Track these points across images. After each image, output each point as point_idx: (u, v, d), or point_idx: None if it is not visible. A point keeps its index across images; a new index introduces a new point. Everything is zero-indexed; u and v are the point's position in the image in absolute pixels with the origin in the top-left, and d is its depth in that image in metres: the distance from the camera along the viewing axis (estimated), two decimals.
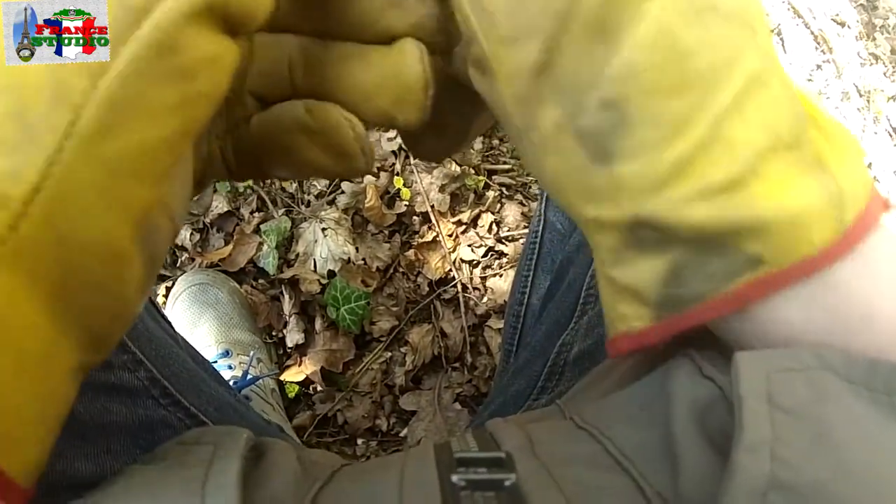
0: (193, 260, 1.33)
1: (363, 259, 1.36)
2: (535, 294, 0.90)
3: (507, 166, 1.50)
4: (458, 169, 1.42)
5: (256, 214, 1.36)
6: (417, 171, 1.42)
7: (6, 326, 0.28)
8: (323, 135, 0.38)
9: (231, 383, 1.07)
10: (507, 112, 0.35)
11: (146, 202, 0.31)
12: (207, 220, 1.35)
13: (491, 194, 1.46)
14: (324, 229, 1.34)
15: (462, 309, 1.38)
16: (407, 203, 1.41)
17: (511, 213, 1.46)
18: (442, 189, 1.41)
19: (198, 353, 0.81)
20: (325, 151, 0.39)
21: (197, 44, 0.29)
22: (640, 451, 0.37)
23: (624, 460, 0.37)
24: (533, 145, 0.36)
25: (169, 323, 0.73)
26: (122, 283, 0.32)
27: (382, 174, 1.41)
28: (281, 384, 1.27)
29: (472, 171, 1.46)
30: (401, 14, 0.36)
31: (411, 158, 1.43)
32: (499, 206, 1.47)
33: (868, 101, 1.80)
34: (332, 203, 1.38)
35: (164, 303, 1.27)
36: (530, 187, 1.50)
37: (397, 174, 1.42)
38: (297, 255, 1.34)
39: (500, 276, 1.41)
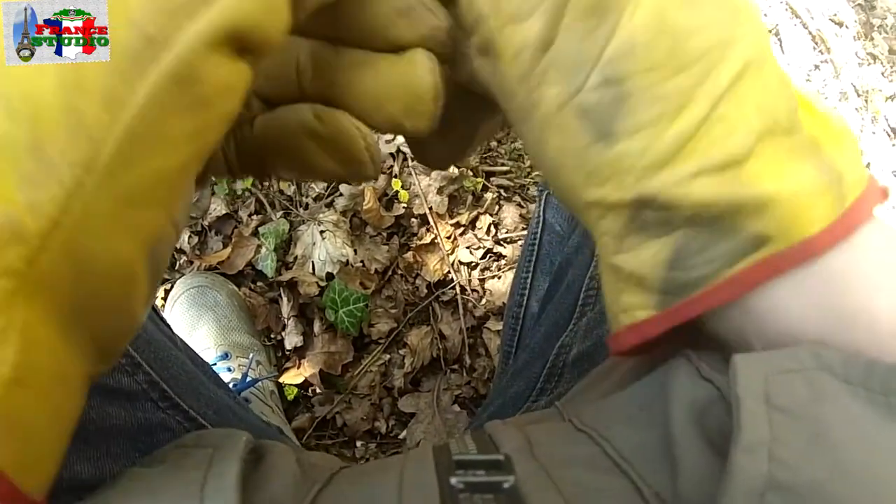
0: (192, 263, 1.33)
1: (361, 261, 1.36)
2: (533, 296, 0.90)
3: (505, 168, 1.50)
4: (456, 171, 1.42)
5: (255, 217, 1.36)
6: (415, 174, 1.42)
7: (28, 359, 0.28)
8: (332, 142, 0.38)
9: (230, 385, 1.07)
10: (511, 92, 0.36)
11: (160, 225, 0.31)
12: (206, 223, 1.35)
13: (489, 196, 1.46)
14: (322, 232, 1.34)
15: (460, 311, 1.38)
16: (405, 205, 1.41)
17: (509, 214, 1.46)
18: (440, 191, 1.41)
19: (197, 355, 0.81)
20: (333, 157, 0.39)
21: (216, 72, 0.29)
22: (638, 453, 0.37)
23: (623, 462, 0.37)
24: (535, 126, 0.36)
25: (168, 325, 0.73)
26: (132, 301, 0.32)
27: (380, 176, 1.41)
28: (280, 386, 1.27)
29: (471, 173, 1.46)
30: (411, 24, 0.36)
31: (409, 161, 1.43)
32: (497, 207, 1.47)
33: (866, 101, 1.81)
34: (330, 205, 1.38)
35: (163, 305, 1.27)
36: (528, 189, 1.50)
37: (395, 176, 1.42)
38: (296, 258, 1.34)
39: (499, 277, 1.41)
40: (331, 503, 0.39)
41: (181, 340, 0.75)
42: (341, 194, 1.38)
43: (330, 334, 1.32)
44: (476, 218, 1.45)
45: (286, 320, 1.31)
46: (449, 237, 1.42)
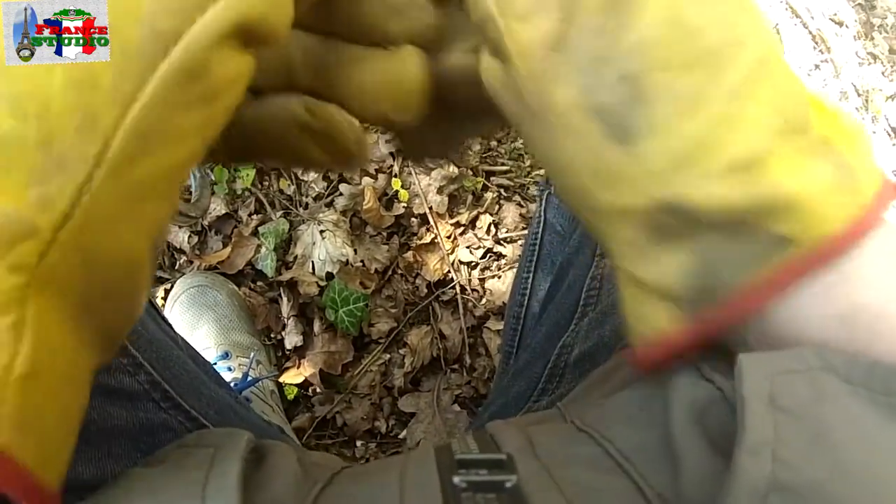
0: (192, 262, 1.33)
1: (361, 261, 1.35)
2: (534, 296, 0.90)
3: (505, 168, 1.50)
4: (456, 170, 1.42)
5: (254, 217, 1.36)
6: (415, 173, 1.42)
7: (41, 353, 0.28)
8: (322, 134, 0.38)
9: (231, 385, 1.06)
10: (521, 93, 0.35)
11: (164, 216, 0.32)
12: (206, 223, 1.35)
13: (489, 196, 1.46)
14: (322, 231, 1.34)
15: (461, 310, 1.38)
16: (405, 205, 1.41)
17: (509, 214, 1.46)
18: (440, 191, 1.41)
19: (198, 354, 0.81)
20: (322, 149, 0.39)
21: (223, 65, 0.30)
22: (640, 453, 0.37)
23: (625, 462, 0.37)
24: (547, 128, 0.35)
25: (169, 325, 0.73)
26: (137, 290, 0.32)
27: (380, 176, 1.41)
28: (280, 386, 1.27)
29: (471, 173, 1.45)
30: (402, 21, 0.36)
31: (409, 160, 1.43)
32: (497, 207, 1.47)
33: (866, 101, 1.81)
34: (330, 205, 1.38)
35: (163, 305, 1.27)
36: (529, 189, 1.49)
37: (395, 176, 1.42)
38: (296, 258, 1.34)
39: (499, 277, 1.41)
40: (333, 503, 0.39)
41: (182, 340, 0.75)
42: (341, 194, 1.38)
43: (330, 334, 1.32)
44: (476, 217, 1.45)
45: (286, 320, 1.31)
46: (449, 237, 1.42)
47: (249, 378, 1.12)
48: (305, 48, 0.38)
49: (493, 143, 1.52)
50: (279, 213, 1.37)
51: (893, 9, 1.96)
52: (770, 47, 0.33)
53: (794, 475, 0.28)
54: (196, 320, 1.22)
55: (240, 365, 1.16)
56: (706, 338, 0.35)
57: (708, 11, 0.32)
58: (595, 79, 0.33)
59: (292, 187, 1.39)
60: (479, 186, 1.46)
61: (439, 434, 1.26)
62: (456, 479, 0.37)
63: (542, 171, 1.49)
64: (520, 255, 1.34)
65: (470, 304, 1.39)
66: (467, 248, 1.42)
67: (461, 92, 0.39)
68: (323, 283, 1.32)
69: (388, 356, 1.34)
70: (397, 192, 1.41)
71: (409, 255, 1.39)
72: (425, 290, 1.39)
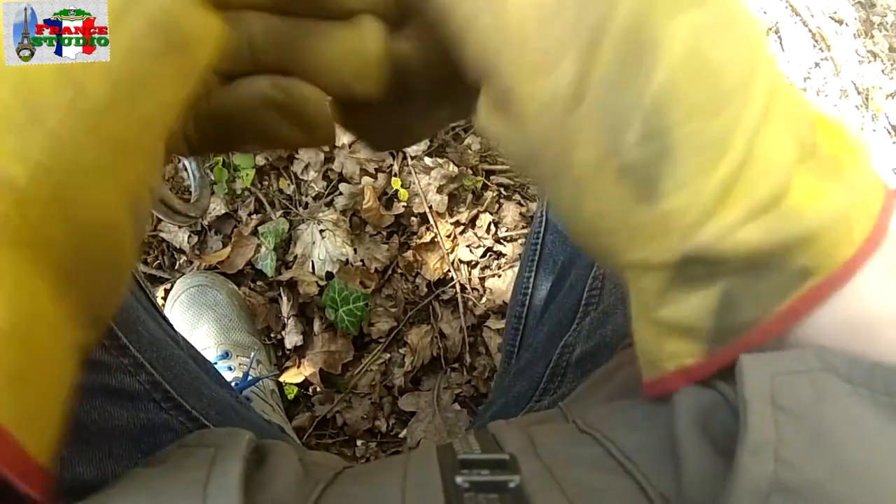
0: (192, 262, 1.33)
1: (361, 260, 1.35)
2: (536, 295, 0.90)
3: (505, 166, 1.50)
4: (455, 169, 1.42)
5: (254, 216, 1.36)
6: (415, 172, 1.42)
7: (19, 312, 0.28)
8: (290, 109, 0.38)
9: (231, 385, 1.07)
10: (536, 154, 0.34)
11: (142, 175, 0.31)
12: (205, 223, 1.35)
13: (489, 194, 1.46)
14: (322, 231, 1.34)
15: (461, 309, 1.38)
16: (405, 204, 1.41)
17: (509, 213, 1.46)
18: (440, 190, 1.41)
19: (199, 354, 0.80)
20: (293, 124, 0.39)
21: (191, 18, 0.30)
22: (642, 453, 0.37)
23: (627, 462, 0.37)
24: (567, 189, 0.34)
25: (170, 325, 0.73)
26: (119, 257, 0.32)
27: (380, 175, 1.41)
28: (280, 385, 1.27)
29: (470, 172, 1.45)
30: None
31: (409, 159, 1.43)
32: (497, 206, 1.47)
33: (866, 99, 1.81)
34: (329, 204, 1.38)
35: (163, 305, 1.27)
36: (528, 187, 1.49)
37: (395, 175, 1.42)
38: (296, 257, 1.34)
39: (499, 276, 1.41)
40: (334, 502, 0.39)
41: (183, 340, 0.75)
42: (341, 193, 1.38)
43: (330, 333, 1.32)
44: (476, 216, 1.45)
45: (286, 319, 1.31)
46: (449, 236, 1.42)
47: (250, 377, 1.12)
48: (268, 28, 0.38)
49: (485, 143, 1.52)
50: (279, 213, 1.37)
51: (893, 7, 1.96)
52: (774, 70, 0.33)
53: (796, 475, 0.28)
54: (196, 320, 1.22)
55: (240, 364, 1.16)
56: (725, 366, 0.35)
57: (727, 47, 0.31)
58: (618, 137, 0.31)
59: (292, 187, 1.39)
60: (479, 185, 1.46)
61: (439, 433, 1.26)
62: (458, 480, 0.37)
63: None
64: (520, 254, 1.35)
65: (470, 303, 1.39)
66: (467, 247, 1.42)
67: (420, 80, 0.39)
68: (323, 283, 1.32)
69: (389, 355, 1.35)
70: (397, 191, 1.41)
71: (408, 254, 1.39)
72: (425, 290, 1.39)
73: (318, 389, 1.29)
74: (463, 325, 1.37)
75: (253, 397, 1.13)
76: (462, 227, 1.44)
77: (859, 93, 1.82)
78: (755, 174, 0.31)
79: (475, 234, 1.44)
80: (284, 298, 1.32)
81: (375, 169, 1.41)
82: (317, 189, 1.39)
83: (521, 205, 1.47)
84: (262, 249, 1.33)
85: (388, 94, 0.38)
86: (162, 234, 1.33)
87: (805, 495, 0.28)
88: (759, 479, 0.28)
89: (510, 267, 1.42)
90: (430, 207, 1.41)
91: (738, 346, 0.34)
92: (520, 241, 1.44)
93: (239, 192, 1.37)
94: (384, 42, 0.37)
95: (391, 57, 0.38)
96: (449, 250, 1.41)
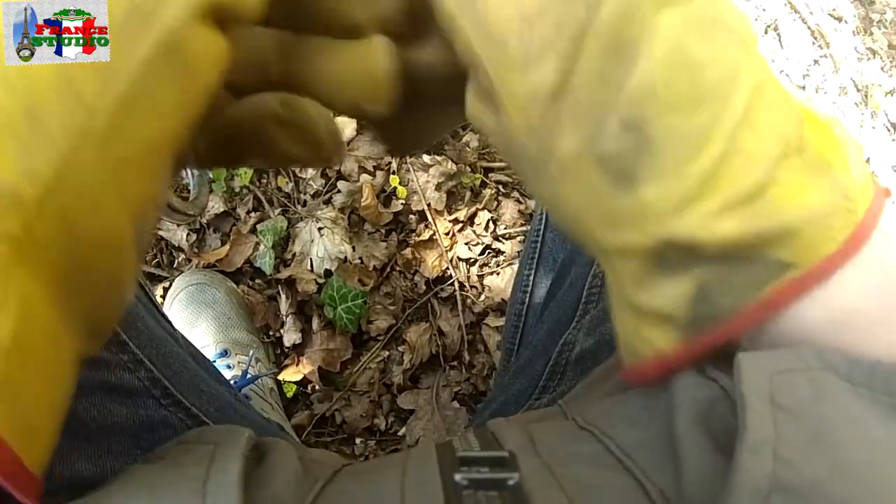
0: (190, 261, 1.33)
1: (360, 258, 1.35)
2: (536, 293, 0.90)
3: (503, 164, 1.50)
4: (454, 167, 1.42)
5: (253, 214, 1.36)
6: (413, 170, 1.42)
7: (25, 327, 0.28)
8: (298, 128, 0.38)
9: (230, 383, 1.07)
10: (520, 144, 0.35)
11: (148, 196, 0.32)
12: (204, 221, 1.35)
13: (487, 192, 1.46)
14: (320, 229, 1.34)
15: (459, 307, 1.38)
16: (403, 202, 1.41)
17: (508, 210, 1.46)
18: (438, 187, 1.41)
19: (198, 351, 0.81)
20: (299, 143, 0.39)
21: (199, 42, 0.30)
22: (642, 451, 0.37)
23: (626, 459, 0.37)
24: (549, 177, 0.35)
25: (169, 322, 0.73)
26: (122, 274, 0.32)
27: (378, 173, 1.41)
28: (279, 384, 1.27)
29: (469, 169, 1.45)
30: (369, 9, 0.36)
31: (407, 157, 1.43)
32: (495, 203, 1.47)
33: (866, 96, 1.81)
34: (328, 202, 1.38)
35: (162, 303, 1.27)
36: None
37: (393, 173, 1.42)
38: (294, 255, 1.34)
39: (498, 273, 1.41)
40: (334, 500, 0.39)
41: (182, 337, 0.75)
42: (339, 191, 1.38)
43: (328, 331, 1.32)
44: (474, 214, 1.45)
45: (285, 317, 1.31)
46: (447, 233, 1.42)
47: (248, 376, 1.12)
48: (279, 44, 0.38)
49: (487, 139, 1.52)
50: (277, 211, 1.37)
51: (892, 4, 1.96)
52: (763, 69, 0.33)
53: (795, 474, 0.28)
54: (195, 318, 1.22)
55: (239, 363, 1.16)
56: (701, 356, 0.35)
57: (707, 43, 0.31)
58: (598, 128, 0.32)
59: (290, 185, 1.39)
60: (478, 183, 1.46)
61: (438, 431, 1.27)
62: (457, 477, 0.37)
63: None
64: (518, 252, 1.35)
65: (469, 300, 1.39)
66: (466, 244, 1.42)
67: (435, 84, 0.39)
68: (321, 281, 1.32)
69: (387, 353, 1.34)
70: (395, 188, 1.41)
71: (407, 251, 1.39)
72: (424, 287, 1.39)
73: (317, 387, 1.29)
74: (462, 322, 1.37)
75: (252, 395, 1.13)
76: (460, 225, 1.44)
77: (858, 90, 1.82)
78: (735, 168, 0.31)
79: (474, 231, 1.44)
80: (283, 296, 1.32)
81: (374, 166, 1.41)
82: (315, 187, 1.39)
83: (520, 202, 1.47)
84: (261, 247, 1.33)
85: (402, 101, 0.39)
86: (160, 232, 1.33)
87: (805, 495, 0.28)
88: (759, 479, 0.28)
89: (509, 264, 1.42)
90: (429, 205, 1.41)
91: (715, 335, 0.34)
92: (518, 238, 1.44)
93: (237, 190, 1.37)
94: (394, 62, 0.37)
95: (402, 72, 0.38)
96: (447, 248, 1.41)
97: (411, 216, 1.42)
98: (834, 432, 0.29)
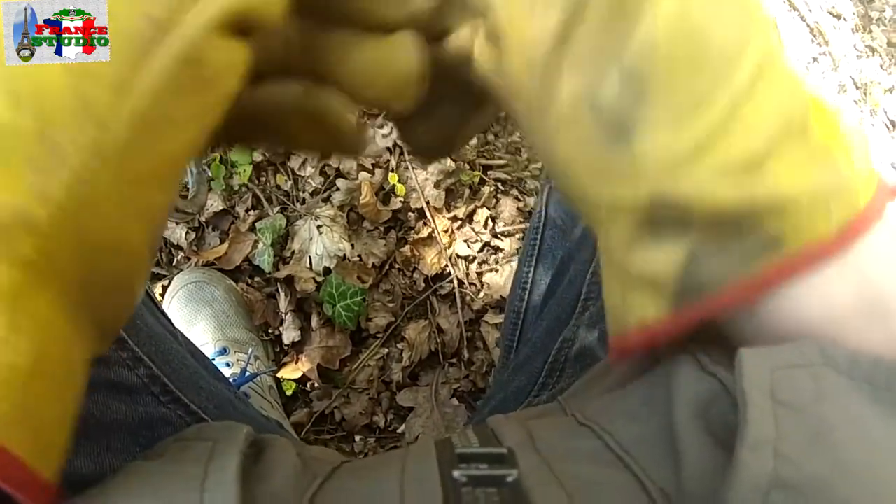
0: (189, 259, 1.33)
1: (359, 256, 1.35)
2: (535, 290, 0.90)
3: (502, 161, 1.50)
4: (452, 164, 1.42)
5: (252, 212, 1.36)
6: (412, 168, 1.42)
7: (43, 348, 0.28)
8: (321, 120, 0.38)
9: (229, 381, 1.07)
10: (519, 87, 0.35)
11: (163, 206, 0.32)
12: (203, 219, 1.35)
13: (486, 189, 1.46)
14: (319, 226, 1.34)
15: (458, 304, 1.38)
16: (402, 199, 1.41)
17: (507, 208, 1.46)
18: (437, 185, 1.41)
19: (197, 349, 0.80)
20: (321, 134, 0.39)
21: (219, 54, 0.30)
22: (641, 447, 0.37)
23: (626, 456, 0.37)
24: (546, 123, 0.35)
25: (168, 319, 0.73)
26: (134, 280, 0.32)
27: (377, 170, 1.41)
28: (278, 381, 1.27)
29: (467, 167, 1.45)
30: (399, 5, 0.36)
31: (406, 155, 1.43)
32: (494, 201, 1.47)
33: (865, 94, 1.81)
34: (326, 200, 1.38)
35: (161, 301, 1.27)
36: (526, 182, 1.49)
37: (392, 170, 1.42)
38: (293, 253, 1.34)
39: (496, 271, 1.41)
40: (332, 497, 0.39)
41: (181, 335, 0.75)
42: (338, 189, 1.38)
43: (328, 329, 1.32)
44: (473, 211, 1.45)
45: (284, 315, 1.31)
46: (446, 231, 1.42)
47: (247, 373, 1.12)
48: (303, 32, 0.37)
49: (490, 137, 1.52)
50: (276, 209, 1.37)
51: (892, 2, 1.96)
52: (773, 47, 0.33)
53: (796, 471, 0.28)
54: (194, 316, 1.22)
55: (238, 360, 1.16)
56: (687, 330, 0.35)
57: (715, 12, 0.31)
58: (598, 76, 0.32)
59: (289, 183, 1.39)
60: (476, 180, 1.46)
61: (438, 428, 1.27)
62: (456, 474, 0.37)
63: (539, 165, 1.49)
64: (517, 249, 1.35)
65: (468, 298, 1.39)
66: (465, 242, 1.42)
67: (458, 80, 0.39)
68: (320, 279, 1.32)
69: (386, 351, 1.34)
70: (394, 186, 1.41)
71: (406, 249, 1.39)
72: (423, 285, 1.39)
73: (316, 385, 1.29)
74: (461, 319, 1.37)
75: (251, 393, 1.12)
76: (459, 222, 1.44)
77: (857, 88, 1.82)
78: (734, 135, 0.31)
79: (472, 229, 1.44)
80: (282, 294, 1.31)
81: (372, 164, 1.41)
82: (314, 185, 1.39)
83: (519, 199, 1.47)
84: (260, 245, 1.33)
85: (426, 99, 0.39)
86: (154, 245, 1.33)
87: (805, 492, 0.28)
88: (759, 476, 0.28)
89: (507, 262, 1.42)
90: (428, 202, 1.41)
91: (702, 308, 0.34)
92: (517, 235, 1.44)
93: (236, 188, 1.37)
94: (422, 60, 0.37)
95: (430, 71, 0.38)
96: (446, 245, 1.41)
97: (410, 214, 1.42)
98: (835, 430, 0.29)
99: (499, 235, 1.44)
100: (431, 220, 1.41)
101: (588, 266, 0.74)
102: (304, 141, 0.40)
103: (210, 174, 1.32)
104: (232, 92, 0.32)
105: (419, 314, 1.39)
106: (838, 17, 1.90)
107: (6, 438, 0.27)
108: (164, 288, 1.28)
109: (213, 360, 1.14)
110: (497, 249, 1.44)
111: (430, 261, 1.39)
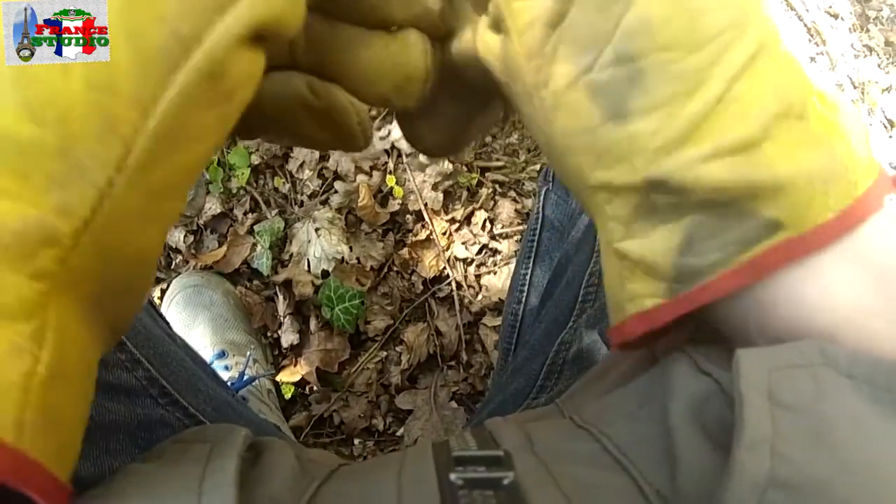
0: (188, 262, 1.33)
1: (357, 258, 1.35)
2: (533, 292, 0.90)
3: (500, 163, 1.50)
4: (450, 166, 1.42)
5: (250, 215, 1.36)
6: (410, 170, 1.42)
7: (61, 356, 0.28)
8: (325, 114, 0.38)
9: (228, 384, 1.06)
10: (519, 70, 0.35)
11: (179, 211, 0.32)
12: (201, 222, 1.35)
13: (484, 191, 1.46)
14: (317, 229, 1.34)
15: (457, 307, 1.38)
16: (400, 202, 1.41)
17: (505, 210, 1.46)
18: (435, 187, 1.41)
19: (196, 352, 0.81)
20: (325, 129, 0.39)
21: (240, 64, 0.30)
22: (638, 449, 0.37)
23: (623, 458, 0.37)
24: (543, 105, 0.35)
25: (166, 322, 0.73)
26: (146, 283, 0.33)
27: (375, 173, 1.41)
28: (277, 385, 1.27)
29: (465, 169, 1.45)
30: (406, 4, 0.36)
31: (404, 157, 1.43)
32: (492, 203, 1.47)
33: (862, 93, 1.81)
34: (325, 203, 1.38)
35: (159, 305, 1.27)
36: (523, 184, 1.49)
37: (390, 173, 1.42)
38: (291, 256, 1.34)
39: (495, 273, 1.41)
40: (330, 499, 0.39)
41: (180, 337, 0.75)
42: (336, 191, 1.38)
43: (326, 332, 1.31)
44: (471, 213, 1.45)
45: (282, 318, 1.31)
46: (444, 233, 1.42)
47: (246, 377, 1.12)
48: (310, 28, 0.38)
49: (488, 139, 1.52)
50: (274, 212, 1.37)
51: (889, 1, 1.97)
52: (771, 31, 0.33)
53: (794, 471, 0.28)
54: (192, 320, 1.22)
55: (236, 364, 1.16)
56: (686, 315, 0.35)
57: None
58: (593, 57, 0.33)
59: (287, 185, 1.39)
60: (474, 182, 1.46)
61: (437, 431, 1.26)
62: (453, 477, 0.37)
63: (537, 167, 1.49)
64: (516, 251, 1.35)
65: (466, 300, 1.39)
66: (463, 244, 1.42)
67: (464, 79, 0.40)
68: (319, 281, 1.32)
69: (385, 353, 1.34)
70: (392, 188, 1.41)
71: (404, 251, 1.39)
72: (421, 287, 1.39)
73: (315, 388, 1.29)
74: (459, 322, 1.37)
75: (249, 397, 1.12)
76: (457, 225, 1.44)
77: (855, 87, 1.82)
78: (729, 116, 0.32)
79: (470, 231, 1.44)
80: (280, 297, 1.32)
81: (370, 167, 1.41)
82: (312, 187, 1.39)
83: (517, 201, 1.47)
84: (258, 248, 1.33)
85: (431, 97, 0.39)
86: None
87: (804, 492, 0.27)
88: (756, 475, 0.28)
89: (506, 264, 1.42)
90: (426, 205, 1.41)
91: (701, 292, 0.34)
92: (515, 237, 1.44)
93: (234, 191, 1.37)
94: (428, 59, 0.37)
95: (435, 70, 0.38)
96: (444, 247, 1.41)
97: (408, 216, 1.42)
98: (835, 430, 0.29)
99: (497, 237, 1.44)
100: (429, 222, 1.41)
101: (585, 267, 0.74)
102: (306, 135, 0.40)
103: (208, 177, 1.33)
104: (248, 99, 0.32)
105: (418, 317, 1.39)
106: (835, 16, 1.90)
107: (29, 445, 0.27)
108: (163, 291, 1.28)
109: (212, 363, 1.14)
110: (495, 251, 1.44)
111: (429, 263, 1.39)
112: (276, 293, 1.32)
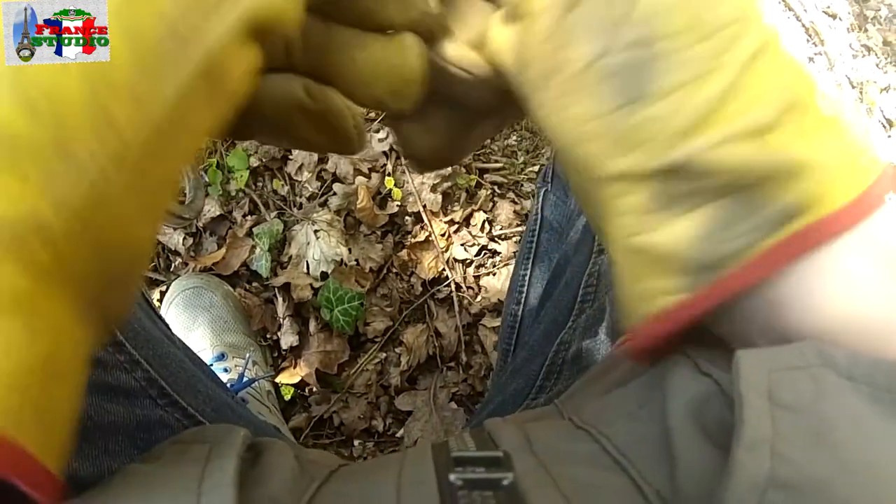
0: (187, 264, 1.33)
1: (356, 260, 1.35)
2: (532, 293, 0.90)
3: (498, 165, 1.50)
4: (449, 168, 1.42)
5: (249, 218, 1.36)
6: (409, 172, 1.42)
7: (55, 350, 0.28)
8: (321, 118, 0.38)
9: (228, 386, 1.06)
10: (532, 57, 0.36)
11: (168, 200, 0.32)
12: (200, 225, 1.35)
13: (483, 193, 1.46)
14: (316, 231, 1.34)
15: (456, 308, 1.38)
16: (399, 203, 1.41)
17: (503, 211, 1.46)
18: (433, 189, 1.41)
19: (195, 353, 0.81)
20: (320, 131, 0.39)
21: (237, 61, 0.30)
22: (638, 449, 0.37)
23: (622, 459, 0.37)
24: (556, 91, 0.35)
25: (165, 323, 0.73)
26: (138, 276, 0.33)
27: (374, 175, 1.41)
28: (277, 386, 1.27)
29: (464, 170, 1.46)
30: (402, 7, 0.37)
31: (403, 158, 1.43)
32: (491, 204, 1.47)
33: (861, 93, 1.81)
34: (323, 205, 1.38)
35: (159, 307, 1.27)
36: (522, 185, 1.50)
37: (388, 175, 1.42)
38: (290, 258, 1.34)
39: (494, 274, 1.41)
40: (330, 500, 0.39)
41: (179, 339, 0.75)
42: (335, 193, 1.38)
43: (325, 333, 1.31)
44: (470, 215, 1.45)
45: (282, 320, 1.31)
46: (443, 234, 1.42)
47: (245, 379, 1.12)
48: (306, 30, 0.38)
49: (487, 141, 1.52)
50: (273, 214, 1.37)
51: (887, 0, 1.97)
52: (773, 29, 0.33)
53: (794, 471, 0.28)
54: (192, 322, 1.22)
55: (236, 366, 1.16)
56: (709, 310, 0.34)
57: None
58: (609, 41, 0.33)
59: (286, 188, 1.39)
60: (473, 184, 1.46)
61: (436, 432, 1.26)
62: (452, 477, 0.37)
63: (535, 168, 1.49)
64: (515, 252, 1.35)
65: (465, 301, 1.39)
66: (462, 245, 1.42)
67: (458, 85, 0.40)
68: (318, 283, 1.32)
69: (384, 355, 1.34)
70: (391, 190, 1.41)
71: (403, 253, 1.39)
72: (420, 289, 1.39)
73: (315, 390, 1.29)
74: (458, 323, 1.37)
75: (249, 399, 1.12)
76: (456, 226, 1.44)
77: (853, 87, 1.82)
78: (743, 102, 0.32)
79: (469, 232, 1.44)
80: (280, 299, 1.31)
81: (369, 169, 1.41)
82: (311, 189, 1.39)
83: (515, 203, 1.47)
84: (257, 250, 1.33)
85: (426, 102, 0.39)
86: (157, 236, 1.33)
87: (804, 492, 0.27)
88: (756, 475, 0.28)
89: (505, 265, 1.42)
90: (425, 206, 1.41)
91: (723, 285, 0.34)
92: (514, 239, 1.44)
93: (233, 193, 1.37)
94: (423, 62, 0.37)
95: (429, 76, 0.38)
96: (443, 249, 1.41)
97: (407, 218, 1.42)
98: (834, 430, 0.29)
99: (496, 239, 1.45)
100: (428, 223, 1.41)
101: (584, 268, 0.74)
102: (302, 137, 0.40)
103: (207, 180, 1.33)
104: (244, 94, 0.32)
105: (417, 318, 1.39)
106: (833, 16, 1.90)
107: (23, 437, 0.27)
108: (162, 294, 1.28)
109: (211, 365, 1.14)
110: (494, 253, 1.44)
111: (428, 265, 1.39)
112: (275, 295, 1.32)
